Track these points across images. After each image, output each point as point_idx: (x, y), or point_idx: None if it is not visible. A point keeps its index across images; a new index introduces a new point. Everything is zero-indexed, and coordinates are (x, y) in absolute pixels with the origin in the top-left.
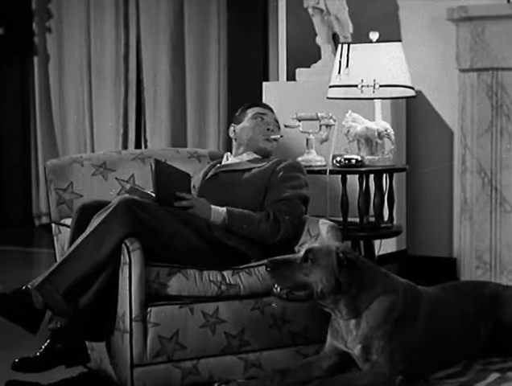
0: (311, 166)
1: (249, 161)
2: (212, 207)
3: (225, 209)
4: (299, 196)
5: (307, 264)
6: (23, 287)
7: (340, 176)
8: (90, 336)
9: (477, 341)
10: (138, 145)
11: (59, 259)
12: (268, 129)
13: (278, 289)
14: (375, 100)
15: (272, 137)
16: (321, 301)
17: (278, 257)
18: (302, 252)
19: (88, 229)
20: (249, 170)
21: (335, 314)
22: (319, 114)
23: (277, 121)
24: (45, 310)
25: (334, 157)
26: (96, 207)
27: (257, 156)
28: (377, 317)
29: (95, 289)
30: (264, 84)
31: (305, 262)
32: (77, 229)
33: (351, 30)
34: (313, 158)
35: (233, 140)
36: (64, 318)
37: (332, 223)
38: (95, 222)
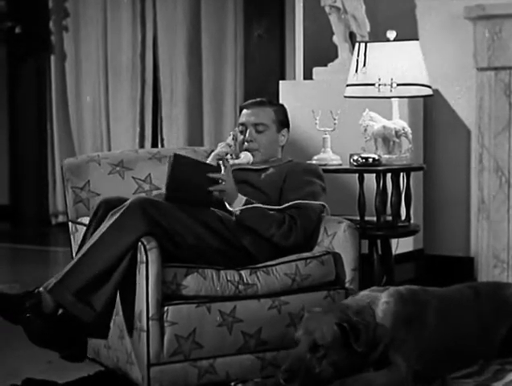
0: (326, 165)
1: (262, 161)
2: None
3: (244, 200)
4: (316, 206)
5: (319, 354)
6: (35, 290)
7: (357, 175)
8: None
9: (495, 342)
10: (154, 144)
11: (73, 259)
12: (246, 142)
13: None
14: (392, 99)
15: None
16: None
17: (290, 365)
18: (305, 343)
19: (102, 229)
20: (264, 169)
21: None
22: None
23: (261, 124)
24: (55, 314)
25: (351, 155)
26: (117, 203)
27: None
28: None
29: (109, 289)
30: (281, 82)
31: (315, 352)
32: (95, 220)
33: (368, 29)
34: (329, 156)
35: None
36: (84, 319)
37: (349, 222)
38: (108, 222)
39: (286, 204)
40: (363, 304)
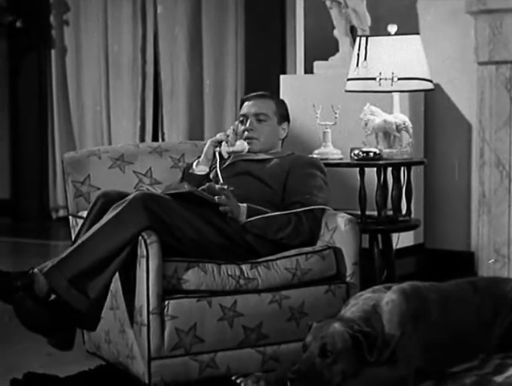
0: (327, 159)
1: (261, 152)
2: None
3: (245, 210)
4: (319, 201)
5: (328, 360)
6: (30, 270)
7: (358, 169)
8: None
9: (494, 337)
10: (155, 138)
11: (71, 246)
12: (247, 130)
13: None
14: (393, 93)
15: (250, 136)
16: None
17: (299, 366)
18: (315, 348)
19: (103, 220)
20: (267, 160)
21: None
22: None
23: (262, 114)
24: (47, 299)
25: (352, 150)
26: (116, 197)
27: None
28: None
29: (104, 280)
30: (281, 76)
31: (325, 358)
32: (92, 213)
33: (369, 23)
34: (330, 151)
35: None
36: (76, 306)
37: (349, 216)
38: (110, 214)
39: (294, 210)
40: (368, 309)
